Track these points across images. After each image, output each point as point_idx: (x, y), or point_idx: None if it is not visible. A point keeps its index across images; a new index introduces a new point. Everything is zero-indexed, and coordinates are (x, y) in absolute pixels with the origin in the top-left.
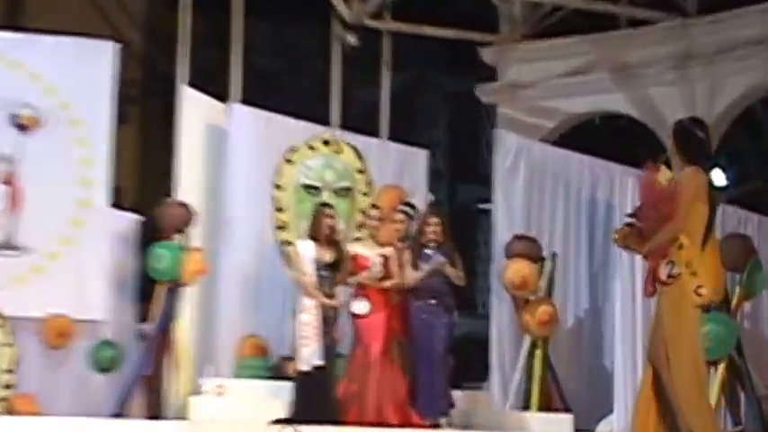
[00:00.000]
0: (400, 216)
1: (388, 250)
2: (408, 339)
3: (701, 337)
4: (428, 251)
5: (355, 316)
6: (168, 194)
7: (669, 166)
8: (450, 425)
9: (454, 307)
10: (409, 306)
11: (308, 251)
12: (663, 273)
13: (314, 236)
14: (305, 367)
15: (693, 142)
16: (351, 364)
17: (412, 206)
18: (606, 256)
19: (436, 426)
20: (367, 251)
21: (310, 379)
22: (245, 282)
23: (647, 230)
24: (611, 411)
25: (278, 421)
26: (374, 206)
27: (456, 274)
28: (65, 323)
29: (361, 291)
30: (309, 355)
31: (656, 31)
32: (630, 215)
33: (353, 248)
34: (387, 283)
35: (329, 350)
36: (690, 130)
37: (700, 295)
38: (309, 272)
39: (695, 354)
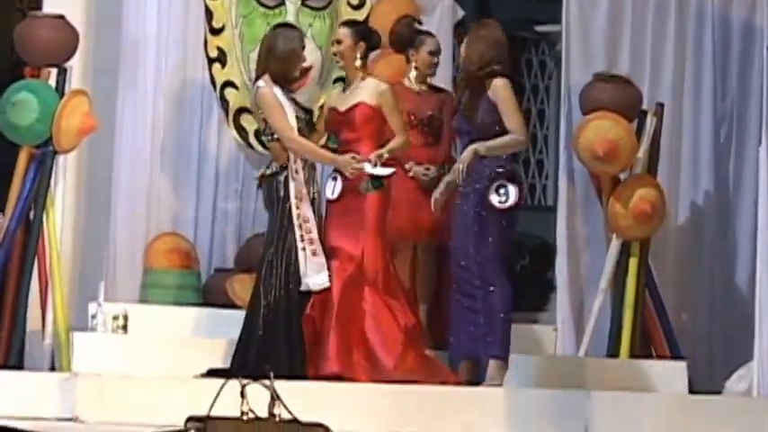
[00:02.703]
0: (431, 49)
1: (375, 91)
2: (432, 242)
3: None
4: None
5: (327, 203)
6: (34, 5)
7: None
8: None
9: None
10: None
11: (284, 98)
12: None
13: (278, 76)
14: (318, 287)
15: None
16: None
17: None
18: (743, 109)
19: (473, 381)
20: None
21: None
22: (159, 147)
23: None
24: (748, 359)
25: (213, 373)
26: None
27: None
28: None
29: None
30: (322, 267)
31: None
32: None
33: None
34: (391, 145)
35: None
36: None
37: None
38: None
39: None
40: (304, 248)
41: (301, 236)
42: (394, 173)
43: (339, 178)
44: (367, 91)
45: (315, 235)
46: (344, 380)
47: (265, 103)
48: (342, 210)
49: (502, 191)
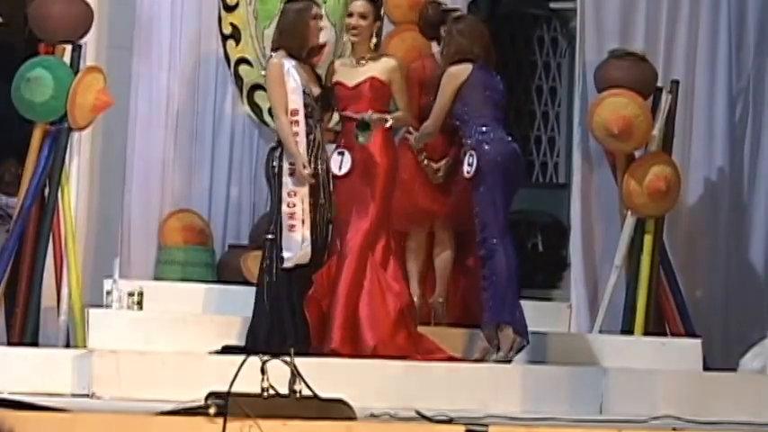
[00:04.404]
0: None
1: (386, 66)
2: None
3: None
4: None
5: (335, 178)
6: None
7: None
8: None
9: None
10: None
11: (295, 72)
12: None
13: (291, 50)
14: (290, 263)
15: None
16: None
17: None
18: (759, 85)
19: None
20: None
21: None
22: (173, 124)
23: None
24: (763, 337)
25: (228, 350)
26: None
27: None
28: None
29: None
30: (297, 244)
31: None
32: None
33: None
34: (396, 115)
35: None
36: None
37: None
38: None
39: None
40: (283, 223)
41: (285, 211)
42: (385, 121)
43: (347, 153)
44: (379, 66)
45: (298, 210)
46: (342, 356)
47: (270, 74)
48: (351, 186)
49: (470, 160)
